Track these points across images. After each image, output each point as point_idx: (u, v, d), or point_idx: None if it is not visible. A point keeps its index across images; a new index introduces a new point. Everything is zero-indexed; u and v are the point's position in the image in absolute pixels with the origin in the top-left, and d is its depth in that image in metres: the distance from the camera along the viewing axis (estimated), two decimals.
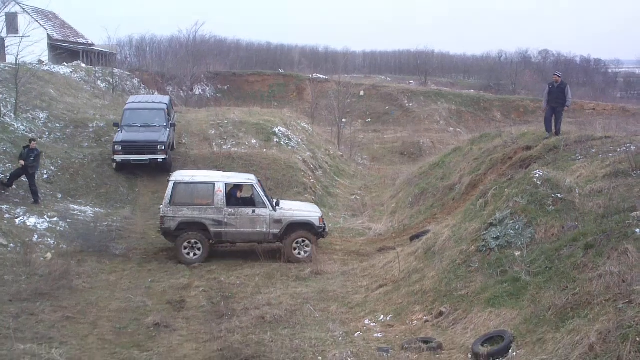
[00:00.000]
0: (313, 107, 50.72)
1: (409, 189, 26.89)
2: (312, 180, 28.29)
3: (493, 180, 18.59)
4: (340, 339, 11.82)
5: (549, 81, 22.35)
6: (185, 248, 18.27)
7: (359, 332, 12.24)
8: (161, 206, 18.66)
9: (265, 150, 29.63)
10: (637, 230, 11.39)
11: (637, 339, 8.23)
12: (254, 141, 30.48)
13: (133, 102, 28.91)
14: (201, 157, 27.89)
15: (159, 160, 25.28)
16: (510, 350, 9.97)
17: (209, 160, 27.62)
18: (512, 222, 13.56)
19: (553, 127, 21.22)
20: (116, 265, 17.47)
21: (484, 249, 13.37)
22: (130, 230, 20.86)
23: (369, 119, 58.06)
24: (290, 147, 31.20)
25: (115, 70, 50.47)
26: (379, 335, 12.07)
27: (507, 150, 21.87)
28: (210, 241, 18.65)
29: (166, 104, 28.40)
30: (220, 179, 19.13)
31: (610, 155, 16.77)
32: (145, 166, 25.50)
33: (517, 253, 12.77)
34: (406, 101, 60.54)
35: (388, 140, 49.43)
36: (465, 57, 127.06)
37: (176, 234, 18.32)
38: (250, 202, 19.11)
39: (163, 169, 25.70)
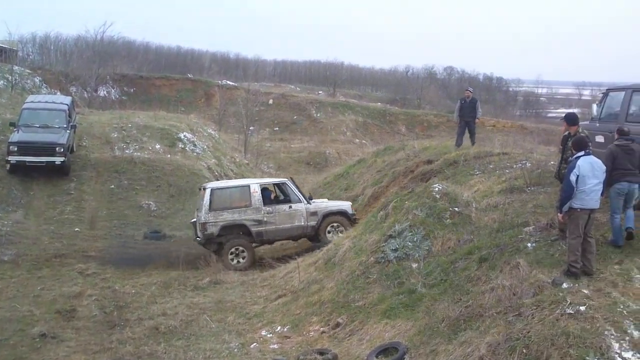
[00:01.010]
0: (221, 114, 50.12)
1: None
2: None
3: (394, 192, 18.82)
4: (235, 350, 11.64)
5: (460, 97, 23.16)
6: (231, 253, 18.69)
7: (255, 344, 12.06)
8: (198, 214, 19.09)
9: (169, 155, 29.04)
10: (529, 244, 11.71)
11: (524, 351, 8.41)
12: (157, 146, 29.82)
13: (32, 102, 27.82)
14: (102, 161, 27.10)
15: (56, 163, 24.42)
16: None
17: (110, 164, 26.89)
18: (410, 234, 13.73)
19: (463, 141, 22.31)
20: (3, 272, 16.69)
21: (383, 260, 13.46)
22: (22, 235, 20.00)
23: (277, 128, 57.98)
24: (195, 154, 30.72)
25: (15, 68, 48.64)
26: (275, 346, 11.93)
27: (409, 164, 22.22)
28: (253, 244, 19.19)
29: (67, 104, 27.47)
30: (254, 181, 20.58)
31: (507, 171, 17.24)
32: (41, 168, 24.54)
33: (414, 265, 12.91)
34: (314, 111, 60.84)
35: (295, 150, 49.51)
36: (373, 71, 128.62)
37: (218, 240, 18.72)
38: (285, 199, 19.94)
39: (61, 172, 24.89)
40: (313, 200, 20.15)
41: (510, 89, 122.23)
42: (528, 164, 17.44)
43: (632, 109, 12.96)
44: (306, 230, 19.57)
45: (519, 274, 10.65)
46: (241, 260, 18.70)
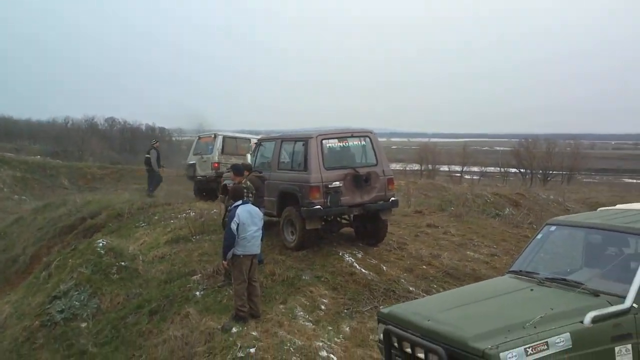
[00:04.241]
0: None
1: None
2: None
3: (57, 251, 18.06)
4: None
5: (148, 148, 24.95)
6: None
7: None
8: (207, 156, 21.98)
9: None
10: (198, 293, 12.03)
11: None
12: None
13: None
14: None
15: None
16: None
17: None
18: (77, 293, 13.30)
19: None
20: None
21: (49, 323, 12.82)
22: None
23: None
24: None
25: None
26: None
27: (72, 219, 21.52)
28: None
29: None
30: (253, 136, 23.29)
31: (172, 221, 17.48)
32: None
33: (84, 324, 12.52)
34: None
35: None
36: (30, 123, 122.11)
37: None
38: None
39: None
40: None
41: (174, 138, 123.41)
42: (192, 213, 17.87)
43: (282, 156, 14.00)
44: None
45: (189, 323, 10.89)
46: None
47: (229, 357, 9.36)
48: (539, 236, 7.81)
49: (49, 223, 22.88)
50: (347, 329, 10.45)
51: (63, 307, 13.04)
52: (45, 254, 19.69)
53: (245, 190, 11.29)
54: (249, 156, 15.64)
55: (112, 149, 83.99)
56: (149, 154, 24.05)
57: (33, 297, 14.45)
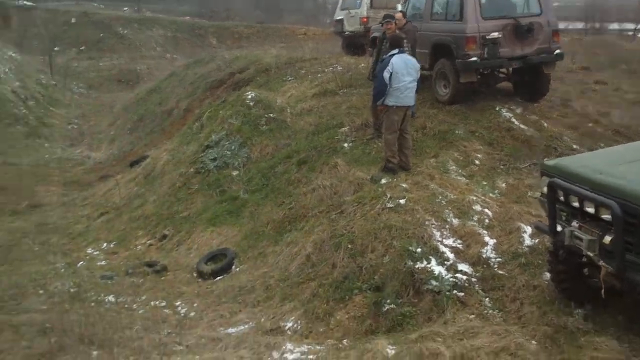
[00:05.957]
0: (21, 36, 46.63)
1: (128, 115, 26.06)
2: (23, 111, 26.12)
3: (208, 103, 18.50)
4: (62, 270, 11.07)
5: None
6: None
7: (82, 262, 11.58)
8: (355, 11, 21.69)
9: None
10: (345, 145, 12.04)
11: (349, 246, 8.70)
12: None
13: None
14: None
15: None
16: (233, 267, 10.11)
17: None
18: (228, 143, 13.67)
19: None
20: None
21: (203, 170, 13.34)
22: None
23: (83, 47, 54.69)
24: None
25: None
26: (103, 263, 11.53)
27: (222, 74, 21.89)
28: None
29: None
30: None
31: (319, 75, 17.33)
32: None
33: (235, 173, 12.91)
34: (120, 28, 57.72)
35: (104, 68, 46.96)
36: None
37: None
38: None
39: None
40: None
41: None
42: (339, 68, 17.65)
43: (436, 6, 13.34)
44: None
45: (338, 173, 10.95)
46: None
47: (378, 206, 9.33)
48: None
49: (200, 78, 23.43)
50: (503, 184, 10.18)
51: (215, 155, 13.47)
52: (197, 107, 20.29)
53: (404, 39, 10.88)
54: (399, 6, 15.02)
55: (257, 7, 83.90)
56: None
57: (187, 146, 14.99)
